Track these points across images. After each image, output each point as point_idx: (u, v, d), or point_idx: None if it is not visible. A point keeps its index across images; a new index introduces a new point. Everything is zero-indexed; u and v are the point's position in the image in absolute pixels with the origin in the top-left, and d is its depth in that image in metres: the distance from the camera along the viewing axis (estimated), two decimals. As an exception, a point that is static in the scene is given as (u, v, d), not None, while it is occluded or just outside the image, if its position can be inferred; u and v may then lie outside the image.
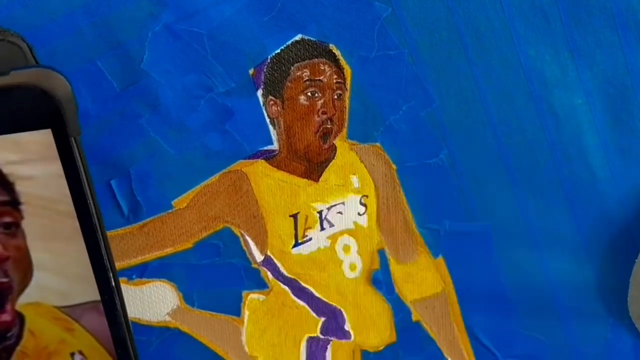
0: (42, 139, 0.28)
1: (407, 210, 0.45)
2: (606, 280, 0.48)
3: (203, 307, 0.45)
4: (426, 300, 0.48)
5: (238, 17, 0.40)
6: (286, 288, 0.46)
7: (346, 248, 0.46)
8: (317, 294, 0.46)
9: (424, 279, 0.47)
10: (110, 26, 0.39)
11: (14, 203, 0.28)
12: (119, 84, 0.40)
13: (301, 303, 0.46)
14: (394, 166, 0.44)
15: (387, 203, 0.45)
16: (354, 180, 0.44)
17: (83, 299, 0.31)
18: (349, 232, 0.45)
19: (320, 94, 0.42)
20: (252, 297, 0.46)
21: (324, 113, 0.42)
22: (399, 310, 0.48)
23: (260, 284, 0.45)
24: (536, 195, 0.46)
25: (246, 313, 0.46)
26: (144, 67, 0.39)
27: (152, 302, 0.44)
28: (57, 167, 0.29)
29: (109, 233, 0.42)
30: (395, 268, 0.47)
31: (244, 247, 0.44)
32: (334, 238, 0.45)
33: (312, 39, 0.41)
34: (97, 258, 0.31)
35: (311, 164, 0.44)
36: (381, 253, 0.46)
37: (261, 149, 0.43)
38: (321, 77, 0.42)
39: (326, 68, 0.42)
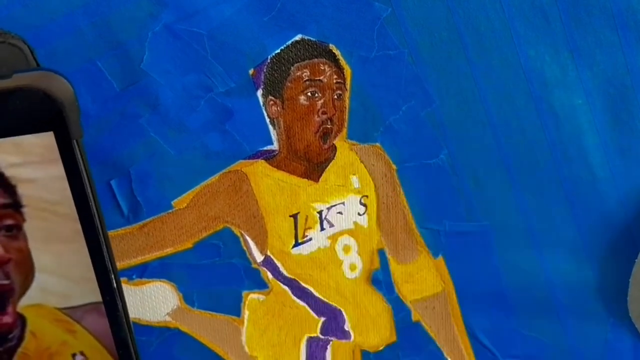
0: (44, 142, 0.28)
1: (407, 210, 0.46)
2: (606, 280, 0.48)
3: (203, 307, 0.45)
4: (426, 300, 0.48)
5: (238, 17, 0.40)
6: (286, 288, 0.46)
7: (346, 248, 0.46)
8: (317, 294, 0.47)
9: (423, 279, 0.47)
10: (110, 26, 0.39)
11: (16, 206, 0.29)
12: (118, 84, 0.40)
13: (301, 303, 0.47)
14: (394, 166, 0.45)
15: (387, 203, 0.45)
16: (354, 180, 0.45)
17: (84, 301, 0.31)
18: (349, 232, 0.46)
19: (320, 94, 0.42)
20: (252, 297, 0.46)
21: (324, 113, 0.43)
22: (399, 310, 0.48)
23: (260, 284, 0.46)
24: (536, 195, 0.46)
25: (246, 313, 0.46)
26: (144, 67, 0.40)
27: (152, 303, 0.45)
28: (59, 170, 0.29)
29: (109, 233, 0.41)
30: (395, 268, 0.47)
31: (244, 247, 0.45)
32: (334, 238, 0.46)
33: (312, 39, 0.41)
34: (98, 260, 0.32)
35: (311, 164, 0.44)
36: (381, 253, 0.46)
37: (261, 149, 0.43)
38: (321, 77, 0.42)
39: (326, 68, 0.42)
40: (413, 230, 0.46)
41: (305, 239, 0.45)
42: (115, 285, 0.33)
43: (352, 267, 0.47)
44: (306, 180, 0.44)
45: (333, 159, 0.44)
